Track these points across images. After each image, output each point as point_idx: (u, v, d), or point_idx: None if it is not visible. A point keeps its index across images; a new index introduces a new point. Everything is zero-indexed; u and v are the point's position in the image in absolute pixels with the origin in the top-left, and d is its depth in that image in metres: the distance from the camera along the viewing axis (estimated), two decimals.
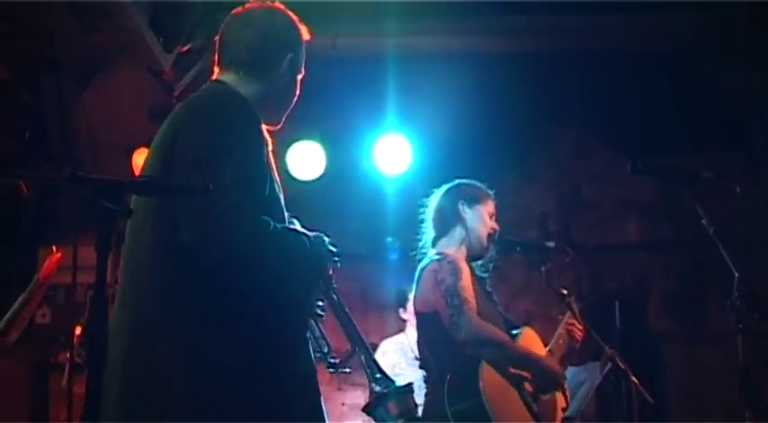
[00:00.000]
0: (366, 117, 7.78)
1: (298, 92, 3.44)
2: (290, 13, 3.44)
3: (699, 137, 7.75)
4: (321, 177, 7.68)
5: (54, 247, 4.32)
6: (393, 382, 3.34)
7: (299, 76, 3.44)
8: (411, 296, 5.13)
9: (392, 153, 7.71)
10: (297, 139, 7.61)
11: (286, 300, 3.05)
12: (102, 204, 2.50)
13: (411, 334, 6.40)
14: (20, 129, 7.12)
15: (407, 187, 7.69)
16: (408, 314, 6.63)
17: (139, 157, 7.49)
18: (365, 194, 7.97)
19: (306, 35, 3.46)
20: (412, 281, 5.05)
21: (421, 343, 5.04)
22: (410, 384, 3.42)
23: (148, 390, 2.91)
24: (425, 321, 4.93)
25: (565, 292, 5.23)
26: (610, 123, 8.11)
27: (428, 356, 4.88)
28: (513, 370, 4.73)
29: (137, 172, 7.27)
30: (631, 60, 7.65)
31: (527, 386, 4.78)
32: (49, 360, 7.85)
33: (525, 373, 4.77)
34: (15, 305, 4.50)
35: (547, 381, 4.84)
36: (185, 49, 6.27)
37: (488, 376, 4.65)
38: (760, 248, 7.44)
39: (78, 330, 5.78)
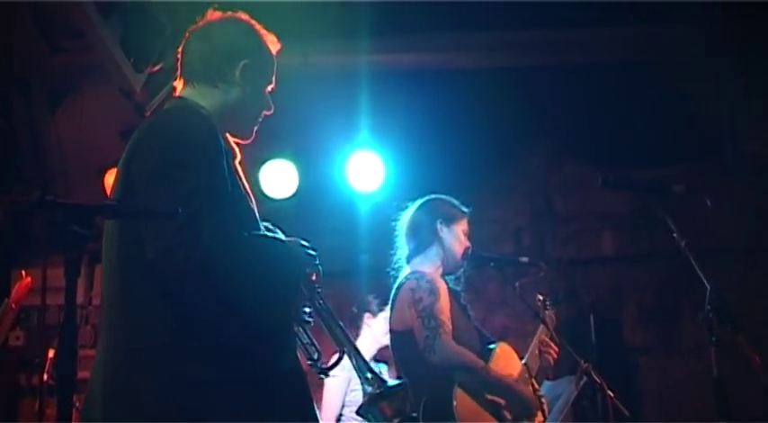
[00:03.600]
0: (338, 134, 7.77)
1: (266, 103, 3.39)
2: (252, 23, 3.40)
3: (671, 148, 7.79)
4: (294, 195, 7.66)
5: (23, 272, 4.28)
6: (385, 381, 3.30)
7: (268, 87, 3.40)
8: (386, 314, 5.11)
9: (365, 170, 7.70)
10: (269, 158, 7.59)
11: (261, 305, 3.00)
12: (72, 228, 2.48)
13: (365, 337, 6.39)
14: None
15: (381, 204, 7.67)
16: (373, 321, 6.59)
17: (112, 178, 7.43)
18: (338, 212, 7.95)
19: (272, 45, 3.41)
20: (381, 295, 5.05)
21: (395, 363, 5.02)
22: (402, 383, 3.39)
23: (128, 411, 2.88)
24: (400, 340, 4.91)
25: (541, 297, 5.25)
26: (583, 136, 8.13)
27: (402, 377, 4.86)
28: (488, 396, 4.72)
29: (109, 192, 7.32)
30: (603, 73, 7.67)
31: (505, 413, 4.77)
32: (20, 383, 7.79)
33: (500, 400, 4.76)
34: None
35: (522, 408, 4.83)
36: (156, 68, 6.24)
37: (462, 399, 4.65)
38: (731, 260, 7.47)
39: (52, 353, 5.74)
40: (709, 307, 3.59)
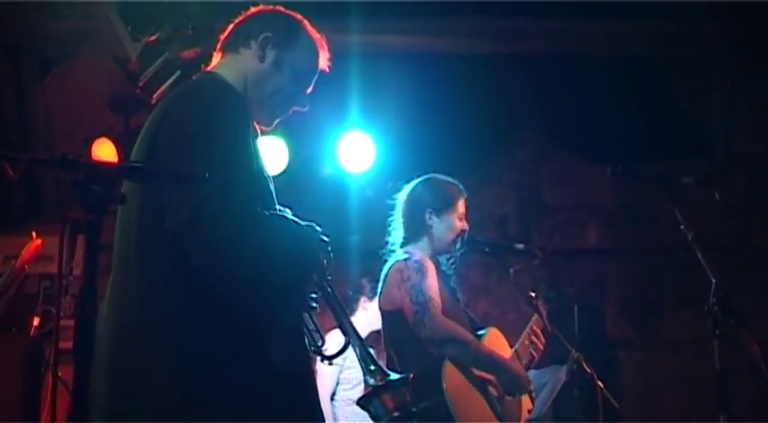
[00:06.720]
0: (329, 114, 7.70)
1: (292, 95, 3.33)
2: (299, 19, 3.35)
3: (660, 144, 7.77)
4: (283, 173, 7.59)
5: (34, 234, 4.21)
6: (388, 374, 3.28)
7: (300, 83, 3.34)
8: (377, 294, 5.09)
9: (355, 151, 7.66)
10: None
11: (276, 287, 2.97)
12: (94, 189, 2.42)
13: (359, 320, 6.41)
14: None
15: (370, 185, 7.66)
16: (369, 304, 6.59)
17: (99, 148, 7.35)
18: (327, 191, 7.90)
19: (322, 52, 3.37)
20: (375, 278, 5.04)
21: (386, 342, 5.00)
22: (404, 377, 3.37)
23: (136, 382, 2.87)
24: (390, 320, 4.90)
25: (533, 294, 5.22)
26: (572, 128, 8.13)
27: (392, 355, 4.85)
28: (477, 372, 4.72)
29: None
30: (596, 66, 7.67)
31: (492, 390, 4.76)
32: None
33: (490, 376, 4.76)
34: None
35: (512, 385, 4.83)
36: (153, 38, 6.16)
37: (452, 376, 4.63)
38: (716, 257, 7.47)
39: (36, 321, 5.69)
40: (713, 300, 3.59)
